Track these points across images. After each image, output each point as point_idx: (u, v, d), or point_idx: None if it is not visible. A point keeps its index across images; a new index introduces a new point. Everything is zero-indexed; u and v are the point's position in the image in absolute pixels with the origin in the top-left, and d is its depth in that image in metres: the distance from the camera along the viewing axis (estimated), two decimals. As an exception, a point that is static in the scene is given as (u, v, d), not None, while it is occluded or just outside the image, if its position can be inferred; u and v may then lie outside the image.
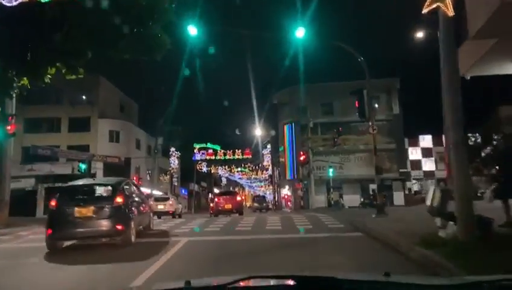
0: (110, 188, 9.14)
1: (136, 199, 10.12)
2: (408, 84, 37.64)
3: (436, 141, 38.19)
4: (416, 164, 37.77)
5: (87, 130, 39.50)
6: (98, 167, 38.55)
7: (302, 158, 29.83)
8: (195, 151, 47.83)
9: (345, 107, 39.01)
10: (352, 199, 37.76)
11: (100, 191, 9.58)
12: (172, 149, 46.57)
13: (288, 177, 38.85)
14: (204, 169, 58.36)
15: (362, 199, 31.10)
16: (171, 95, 49.16)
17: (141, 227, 10.17)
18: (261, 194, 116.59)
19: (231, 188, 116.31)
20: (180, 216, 26.22)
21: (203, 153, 47.90)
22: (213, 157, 47.94)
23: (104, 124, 39.64)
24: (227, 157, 47.50)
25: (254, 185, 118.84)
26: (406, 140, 37.95)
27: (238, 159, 47.91)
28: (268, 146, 46.36)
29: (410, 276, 3.53)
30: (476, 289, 1.83)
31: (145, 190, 43.17)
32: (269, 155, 46.13)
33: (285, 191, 56.85)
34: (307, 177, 37.19)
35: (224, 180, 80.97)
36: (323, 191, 38.17)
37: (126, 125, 41.78)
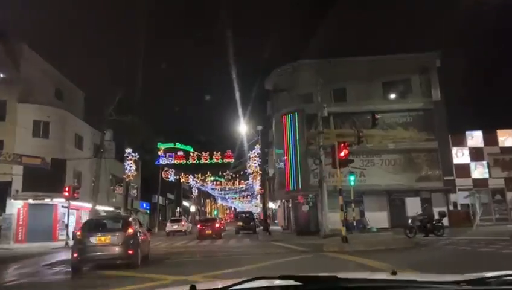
0: (122, 221, 12.05)
1: (140, 230, 12.42)
2: (452, 63, 27.42)
3: (489, 140, 28.30)
4: (463, 170, 27.66)
5: (0, 119, 27.53)
6: (15, 173, 26.53)
7: (343, 153, 19.08)
8: (159, 153, 36.34)
9: (364, 91, 28.84)
10: (377, 218, 27.36)
11: (115, 223, 11.96)
12: (128, 151, 34.87)
13: (290, 187, 27.96)
14: (172, 178, 46.73)
15: (410, 221, 20.70)
16: (133, 81, 37.53)
17: (146, 252, 12.71)
18: (242, 209, 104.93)
19: (202, 201, 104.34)
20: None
21: (170, 156, 36.45)
22: (183, 161, 36.54)
23: (26, 111, 27.69)
24: (203, 161, 36.26)
25: (228, 196, 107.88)
26: (449, 137, 27.81)
27: (216, 163, 36.71)
28: (257, 147, 35.37)
29: (416, 273, 3.76)
30: (482, 284, 1.81)
31: (84, 205, 31.47)
32: (257, 159, 35.14)
33: (273, 206, 45.94)
34: (315, 188, 26.51)
35: (195, 191, 69.19)
36: (337, 207, 27.53)
37: (60, 115, 29.91)
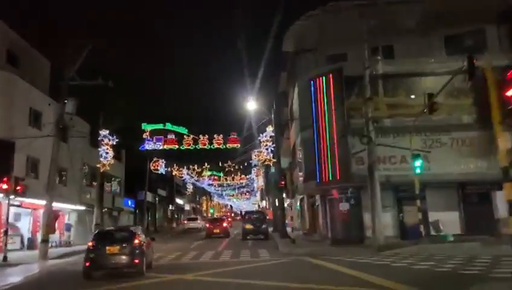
0: (129, 232, 13.13)
1: (144, 240, 13.37)
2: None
3: None
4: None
5: None
6: None
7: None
8: (145, 136, 28.34)
9: (418, 48, 21.20)
10: (444, 221, 19.79)
11: (123, 234, 13.03)
12: (104, 133, 26.96)
13: (322, 178, 20.14)
14: (162, 170, 38.78)
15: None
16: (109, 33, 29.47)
17: (150, 261, 13.83)
18: (239, 207, 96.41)
19: (197, 198, 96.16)
20: None
21: (158, 140, 28.46)
22: (175, 147, 28.56)
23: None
24: (200, 146, 28.32)
25: (225, 193, 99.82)
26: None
27: (217, 150, 28.85)
28: (269, 129, 27.56)
29: None
30: None
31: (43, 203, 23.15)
32: (269, 144, 27.33)
33: (293, 204, 38.15)
34: (361, 179, 18.82)
35: (190, 188, 61.20)
36: (389, 204, 19.87)
37: (5, 79, 21.96)
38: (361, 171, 19.34)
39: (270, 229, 29.92)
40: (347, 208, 19.86)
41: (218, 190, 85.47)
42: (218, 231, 30.31)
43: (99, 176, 28.17)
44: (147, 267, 12.92)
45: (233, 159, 38.62)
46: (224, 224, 31.63)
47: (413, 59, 20.07)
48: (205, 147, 28.42)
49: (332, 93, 20.06)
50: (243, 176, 63.78)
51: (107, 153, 27.05)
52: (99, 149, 27.14)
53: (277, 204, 44.36)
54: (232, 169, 39.27)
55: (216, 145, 28.48)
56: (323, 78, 20.30)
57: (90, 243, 12.56)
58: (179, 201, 67.92)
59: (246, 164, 45.24)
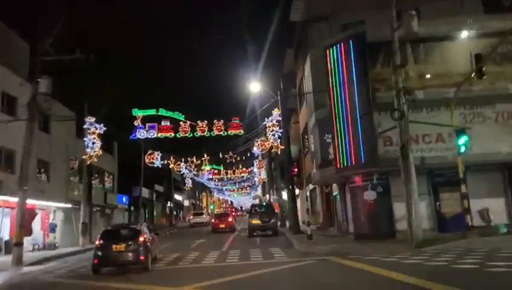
0: (135, 230, 13.55)
1: (150, 236, 14.04)
2: None
3: None
4: None
5: None
6: None
7: None
8: (136, 123, 25.24)
9: (450, 6, 18.22)
10: (490, 207, 16.86)
11: (129, 233, 13.45)
12: (90, 120, 23.92)
13: (343, 163, 17.12)
14: (158, 163, 35.76)
15: None
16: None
17: (155, 255, 14.52)
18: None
19: (197, 194, 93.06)
20: None
21: (151, 128, 25.37)
22: (171, 134, 25.48)
23: None
24: (198, 134, 25.26)
25: (225, 189, 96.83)
26: None
27: (217, 137, 25.76)
28: (276, 112, 24.55)
29: None
30: None
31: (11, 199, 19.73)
32: (275, 129, 24.33)
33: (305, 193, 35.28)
34: (390, 162, 15.90)
35: (189, 183, 58.16)
36: (423, 192, 16.88)
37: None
38: (389, 153, 16.41)
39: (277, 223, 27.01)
40: (373, 197, 16.89)
41: (217, 185, 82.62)
42: (224, 225, 30.38)
43: (86, 169, 25.06)
44: (152, 262, 13.75)
45: (235, 150, 35.57)
46: (230, 219, 31.72)
47: (449, 18, 17.04)
48: (204, 134, 25.36)
49: (353, 63, 17.01)
50: (243, 169, 60.95)
51: (93, 143, 23.99)
52: (84, 139, 24.08)
53: (284, 196, 41.63)
54: (233, 161, 36.25)
55: (216, 132, 25.42)
56: (342, 45, 17.23)
57: (97, 242, 13.11)
58: (178, 197, 64.94)
59: (248, 155, 42.35)
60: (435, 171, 16.79)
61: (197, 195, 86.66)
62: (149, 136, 25.41)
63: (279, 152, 25.19)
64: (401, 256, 12.23)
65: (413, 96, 15.80)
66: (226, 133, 25.62)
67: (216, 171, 63.55)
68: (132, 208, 41.73)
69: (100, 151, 24.26)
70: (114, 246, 12.61)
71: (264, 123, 25.37)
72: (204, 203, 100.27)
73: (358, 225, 17.50)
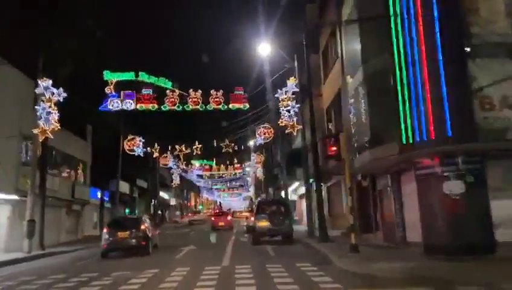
0: (136, 220, 16.36)
1: (149, 226, 16.45)
2: None
3: None
4: None
5: None
6: None
7: None
8: (108, 90, 18.97)
9: None
10: None
11: (131, 222, 16.04)
12: (44, 83, 17.71)
13: (408, 138, 11.12)
14: (140, 151, 29.48)
15: None
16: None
17: (155, 243, 16.95)
18: (230, 204, 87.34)
19: (185, 193, 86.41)
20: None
21: (128, 97, 19.12)
22: (153, 106, 19.26)
23: None
24: (190, 106, 19.12)
25: (215, 188, 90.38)
26: None
27: (216, 109, 19.51)
28: (292, 83, 18.57)
29: None
30: None
31: None
32: (290, 103, 18.34)
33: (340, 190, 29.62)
34: (492, 134, 10.04)
35: (176, 179, 51.71)
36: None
37: None
38: (490, 122, 10.52)
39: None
40: (460, 191, 10.95)
41: (207, 184, 76.21)
42: (223, 223, 32.01)
43: (37, 149, 18.68)
44: (153, 248, 16.11)
45: (233, 135, 29.56)
46: (229, 217, 33.55)
47: None
48: (198, 107, 19.28)
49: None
50: (238, 165, 54.93)
51: (49, 112, 17.72)
52: (36, 107, 17.80)
53: (293, 197, 35.61)
54: (230, 150, 30.13)
55: (214, 105, 19.37)
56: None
57: (105, 230, 15.58)
58: (164, 195, 58.43)
59: (243, 147, 36.38)
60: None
61: (185, 194, 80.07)
62: (125, 108, 19.16)
63: (295, 133, 19.16)
64: None
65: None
66: (225, 107, 19.54)
67: (207, 167, 57.47)
68: (109, 205, 35.27)
69: (58, 125, 17.94)
70: (119, 233, 14.95)
71: (276, 95, 19.37)
72: (193, 202, 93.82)
73: (430, 233, 11.54)
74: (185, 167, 48.48)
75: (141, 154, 29.05)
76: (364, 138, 13.37)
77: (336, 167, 18.45)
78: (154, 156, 31.66)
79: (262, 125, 27.16)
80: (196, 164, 58.11)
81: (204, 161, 55.97)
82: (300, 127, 19.27)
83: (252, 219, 26.79)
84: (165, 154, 39.76)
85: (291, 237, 17.99)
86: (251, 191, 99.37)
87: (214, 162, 53.81)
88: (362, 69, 13.10)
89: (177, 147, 31.54)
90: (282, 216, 17.75)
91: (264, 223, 17.69)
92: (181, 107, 19.20)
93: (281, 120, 19.13)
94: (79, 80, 20.80)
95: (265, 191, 51.25)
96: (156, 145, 30.69)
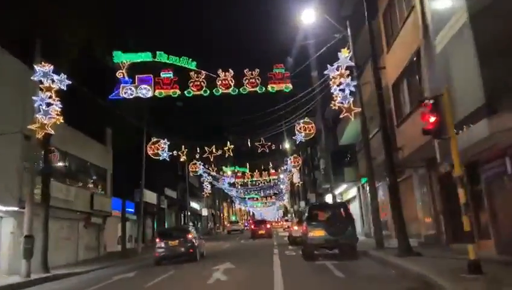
0: (184, 230, 18.43)
1: (196, 236, 18.22)
2: None
3: None
4: None
5: None
6: None
7: None
8: (119, 75, 15.64)
9: None
10: None
11: (179, 232, 18.04)
12: (42, 69, 14.45)
13: None
14: (165, 155, 26.01)
15: None
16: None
17: (201, 252, 18.13)
18: (261, 215, 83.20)
19: (217, 203, 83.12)
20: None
21: (144, 82, 15.71)
22: (176, 91, 15.71)
23: None
24: (220, 90, 15.50)
25: (248, 197, 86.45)
26: None
27: (251, 93, 15.73)
28: (343, 56, 14.61)
29: None
30: None
31: None
32: (345, 81, 14.35)
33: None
34: None
35: (208, 188, 48.29)
36: None
37: None
38: None
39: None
40: None
41: (239, 193, 72.45)
42: (263, 232, 33.42)
43: (36, 147, 15.41)
44: (200, 256, 17.38)
45: (268, 130, 25.82)
46: (268, 225, 35.40)
47: None
48: (229, 91, 15.59)
49: None
50: (273, 171, 51.07)
51: (49, 104, 14.46)
52: (33, 98, 14.58)
53: (343, 196, 31.53)
54: (266, 149, 26.34)
55: (249, 88, 15.64)
56: None
57: (157, 239, 17.26)
58: (194, 205, 55.17)
59: (280, 147, 32.41)
60: None
61: (217, 204, 76.61)
62: (141, 95, 15.68)
63: (352, 117, 15.14)
64: None
65: None
66: (263, 89, 15.76)
67: (239, 174, 53.89)
68: (135, 217, 32.02)
69: (60, 118, 14.63)
70: (170, 242, 16.80)
71: (325, 72, 15.45)
72: (226, 213, 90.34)
73: None
74: (215, 174, 44.98)
75: (167, 159, 25.58)
76: (468, 106, 9.23)
77: (405, 159, 14.30)
78: (181, 159, 28.06)
79: (302, 120, 23.40)
80: (228, 171, 54.73)
81: (236, 167, 52.48)
82: (359, 109, 15.27)
83: (296, 227, 22.99)
84: (194, 161, 36.49)
85: (355, 249, 13.91)
86: (285, 200, 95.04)
87: (248, 168, 50.14)
88: (467, 4, 8.98)
89: (206, 148, 27.83)
90: (343, 222, 13.71)
91: (319, 233, 13.68)
92: (208, 91, 15.54)
93: (333, 102, 15.16)
94: (89, 68, 17.63)
95: (303, 198, 47.18)
96: (183, 147, 27.13)
